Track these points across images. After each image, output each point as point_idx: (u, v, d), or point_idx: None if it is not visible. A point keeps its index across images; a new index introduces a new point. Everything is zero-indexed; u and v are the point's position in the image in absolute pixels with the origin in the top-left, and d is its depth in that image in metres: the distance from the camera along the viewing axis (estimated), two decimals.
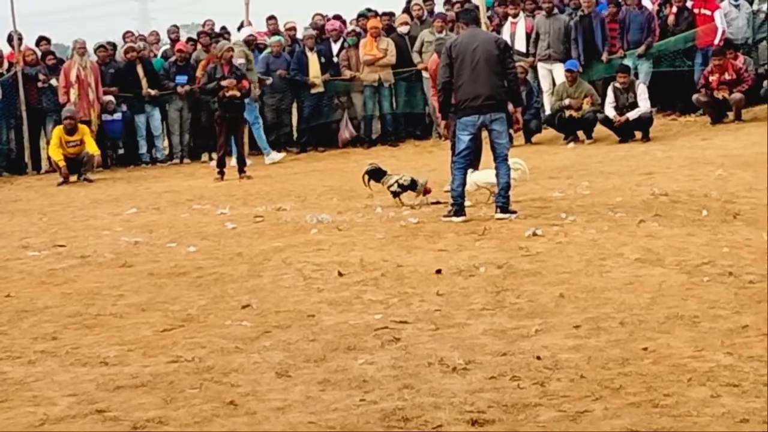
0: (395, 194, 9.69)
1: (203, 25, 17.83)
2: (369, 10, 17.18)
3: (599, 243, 7.32)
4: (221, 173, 13.17)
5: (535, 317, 5.48)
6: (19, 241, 9.19)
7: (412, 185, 9.65)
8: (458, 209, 8.69)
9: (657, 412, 3.98)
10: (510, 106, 8.98)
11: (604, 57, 15.22)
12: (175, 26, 18.21)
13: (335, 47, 16.16)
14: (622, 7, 15.53)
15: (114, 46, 16.84)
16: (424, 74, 15.41)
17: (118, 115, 15.63)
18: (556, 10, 15.54)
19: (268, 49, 15.98)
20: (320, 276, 6.83)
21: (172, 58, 16.20)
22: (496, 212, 8.62)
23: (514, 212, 8.59)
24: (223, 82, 12.96)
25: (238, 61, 14.76)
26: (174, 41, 17.21)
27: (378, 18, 16.41)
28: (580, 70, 14.71)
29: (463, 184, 8.77)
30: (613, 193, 9.56)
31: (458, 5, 17.71)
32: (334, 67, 15.97)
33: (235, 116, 13.26)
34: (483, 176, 9.40)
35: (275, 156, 14.99)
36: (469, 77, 8.57)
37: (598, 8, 15.65)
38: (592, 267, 6.58)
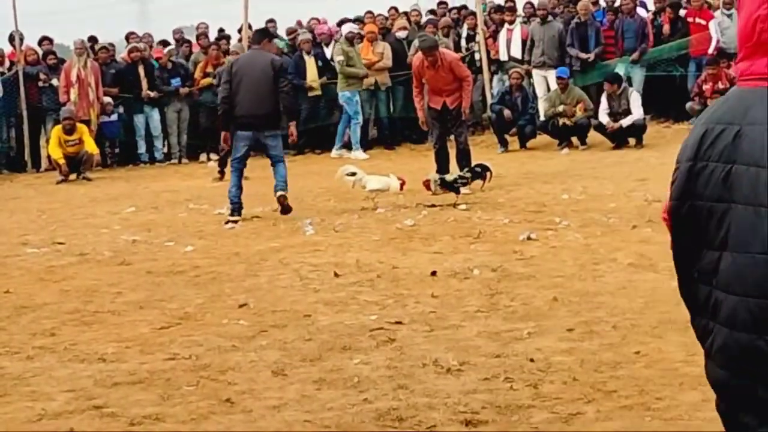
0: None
1: (197, 28, 17.92)
2: (368, 12, 17.27)
3: (593, 248, 7.37)
4: (222, 172, 13.20)
5: (529, 320, 5.51)
6: (19, 238, 9.22)
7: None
8: (234, 209, 9.41)
9: (649, 415, 4.01)
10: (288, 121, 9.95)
11: (592, 55, 15.20)
12: (180, 29, 18.30)
13: (327, 51, 16.21)
14: (618, 15, 15.63)
15: (114, 46, 16.92)
16: None
17: (114, 117, 15.68)
18: (550, 17, 15.61)
19: None
20: (316, 276, 6.87)
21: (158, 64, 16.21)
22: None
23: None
24: None
25: (337, 58, 14.85)
26: (178, 42, 17.28)
27: (374, 22, 16.46)
28: (573, 72, 14.81)
29: (239, 186, 9.44)
30: (607, 198, 9.61)
31: (455, 11, 17.86)
32: (332, 71, 16.02)
33: None
34: (375, 182, 9.90)
35: (360, 155, 14.99)
36: (245, 96, 9.25)
37: (596, 14, 15.74)
38: (585, 271, 6.63)
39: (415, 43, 15.36)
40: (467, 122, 11.34)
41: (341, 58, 15.05)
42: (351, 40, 15.40)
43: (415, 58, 11.01)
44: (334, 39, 16.37)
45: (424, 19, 16.86)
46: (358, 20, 16.71)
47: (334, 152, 15.43)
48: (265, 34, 10.48)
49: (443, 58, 10.58)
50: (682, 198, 2.52)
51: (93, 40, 16.99)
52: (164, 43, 17.50)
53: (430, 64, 10.43)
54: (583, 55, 15.09)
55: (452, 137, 10.99)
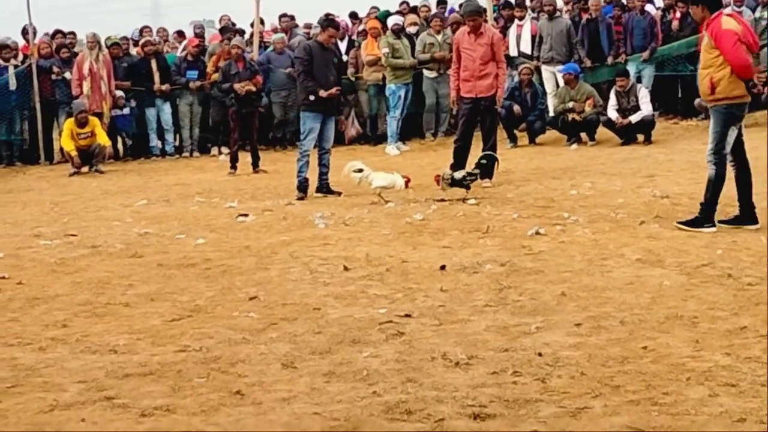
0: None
1: (220, 21, 17.98)
2: (374, 8, 17.22)
3: (601, 243, 7.39)
4: (234, 167, 13.25)
5: (537, 315, 5.55)
6: (31, 230, 9.28)
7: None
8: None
9: (655, 410, 4.03)
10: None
11: (610, 60, 15.31)
12: (200, 22, 18.42)
13: (342, 46, 16.19)
14: (627, 12, 15.62)
15: (127, 40, 16.99)
16: (426, 74, 15.43)
17: (126, 110, 15.74)
18: (558, 13, 15.57)
19: (272, 47, 16.08)
20: (326, 270, 6.91)
21: (183, 53, 16.31)
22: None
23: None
24: (236, 86, 13.00)
25: (384, 50, 14.85)
26: (198, 37, 17.35)
27: (376, 19, 16.38)
28: (584, 69, 14.79)
29: None
30: (615, 194, 9.62)
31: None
32: (344, 66, 15.99)
33: (250, 111, 13.31)
34: (381, 179, 10.01)
35: (393, 150, 14.94)
36: None
37: (604, 11, 15.74)
38: (593, 266, 6.65)
39: (424, 38, 15.38)
40: (497, 120, 11.31)
41: (387, 50, 15.02)
42: (397, 32, 15.26)
43: (459, 31, 11.12)
44: (348, 34, 16.35)
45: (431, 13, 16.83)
46: (399, 12, 16.65)
47: (390, 148, 15.12)
48: (323, 23, 11.23)
49: (487, 27, 10.88)
50: None
51: None
52: (180, 34, 17.66)
53: (473, 30, 10.49)
54: (588, 62, 15.10)
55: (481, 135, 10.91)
